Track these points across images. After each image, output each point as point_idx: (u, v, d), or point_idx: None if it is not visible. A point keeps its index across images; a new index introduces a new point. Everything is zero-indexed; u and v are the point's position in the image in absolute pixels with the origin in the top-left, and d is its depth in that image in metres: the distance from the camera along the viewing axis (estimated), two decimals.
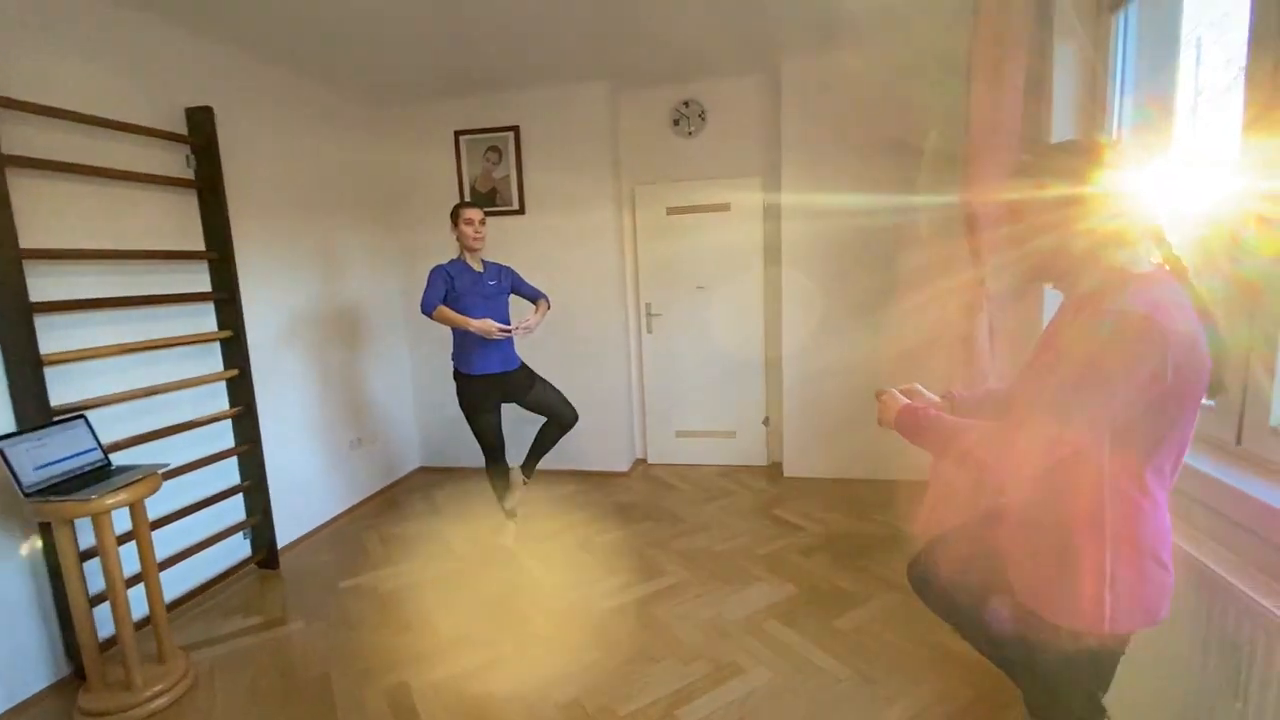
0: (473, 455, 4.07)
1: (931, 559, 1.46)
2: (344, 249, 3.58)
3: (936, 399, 1.36)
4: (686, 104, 3.71)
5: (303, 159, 3.27)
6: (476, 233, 2.84)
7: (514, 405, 3.02)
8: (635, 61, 3.35)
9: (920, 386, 1.37)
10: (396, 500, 3.76)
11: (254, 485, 2.84)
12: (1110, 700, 1.33)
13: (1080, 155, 1.08)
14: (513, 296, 3.04)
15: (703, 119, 3.71)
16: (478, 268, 2.92)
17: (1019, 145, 2.15)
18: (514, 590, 2.64)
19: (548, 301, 3.03)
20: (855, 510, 3.28)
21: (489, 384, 2.90)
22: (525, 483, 3.17)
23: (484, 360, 2.87)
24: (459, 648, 2.25)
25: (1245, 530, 1.24)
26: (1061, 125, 2.09)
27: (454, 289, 2.82)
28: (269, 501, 2.88)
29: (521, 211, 3.80)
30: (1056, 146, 1.26)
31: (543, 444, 3.12)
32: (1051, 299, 2.21)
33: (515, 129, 3.71)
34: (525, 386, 3.01)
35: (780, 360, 3.81)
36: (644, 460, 4.18)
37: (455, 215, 2.85)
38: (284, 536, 3.04)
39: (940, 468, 2.52)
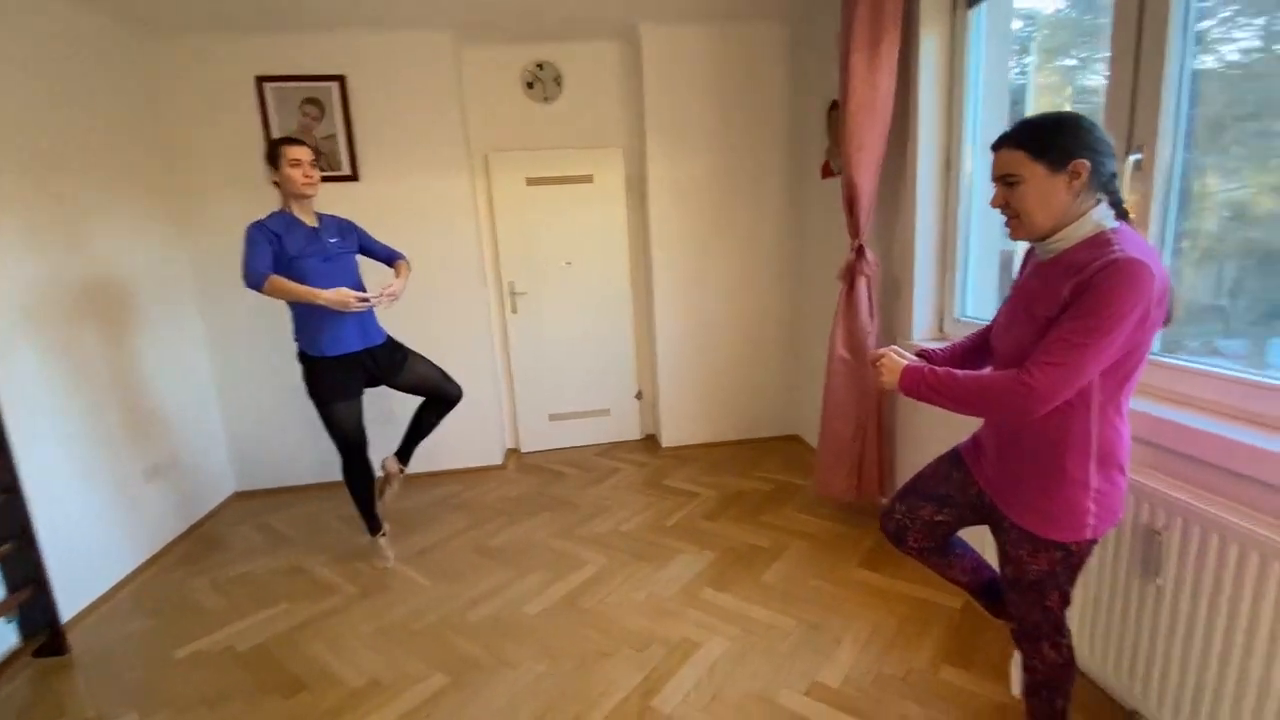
0: (306, 469, 3.49)
1: (905, 509, 1.56)
2: (110, 223, 2.71)
3: (914, 357, 1.44)
4: (541, 66, 3.47)
5: (41, 98, 2.39)
6: (307, 175, 2.27)
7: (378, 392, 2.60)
8: (479, 13, 3.01)
9: (898, 348, 1.44)
10: (218, 537, 3.03)
11: (17, 548, 2.06)
12: None
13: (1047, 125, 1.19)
14: (361, 258, 2.55)
15: (558, 84, 3.51)
16: (311, 222, 2.36)
17: (890, 122, 2.39)
18: (416, 614, 2.30)
19: (407, 262, 2.61)
20: (738, 470, 3.46)
21: (348, 365, 2.41)
22: (403, 472, 2.78)
23: (337, 337, 2.36)
24: (377, 695, 1.89)
25: (1150, 445, 1.53)
26: (926, 107, 2.35)
27: (283, 250, 2.24)
28: (42, 566, 2.11)
29: (355, 177, 3.24)
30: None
31: (421, 428, 2.73)
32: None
33: (341, 79, 3.13)
34: (395, 364, 2.56)
35: (650, 334, 3.83)
36: (517, 450, 3.93)
37: (275, 155, 2.25)
38: (67, 609, 2.27)
39: (832, 426, 2.76)
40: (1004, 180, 1.20)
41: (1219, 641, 1.28)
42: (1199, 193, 1.60)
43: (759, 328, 3.79)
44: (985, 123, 2.27)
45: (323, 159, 3.19)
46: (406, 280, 2.54)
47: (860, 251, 2.56)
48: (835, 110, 3.02)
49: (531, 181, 3.57)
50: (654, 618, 2.20)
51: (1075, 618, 1.63)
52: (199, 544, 2.96)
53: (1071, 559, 1.26)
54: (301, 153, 2.27)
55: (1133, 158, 1.57)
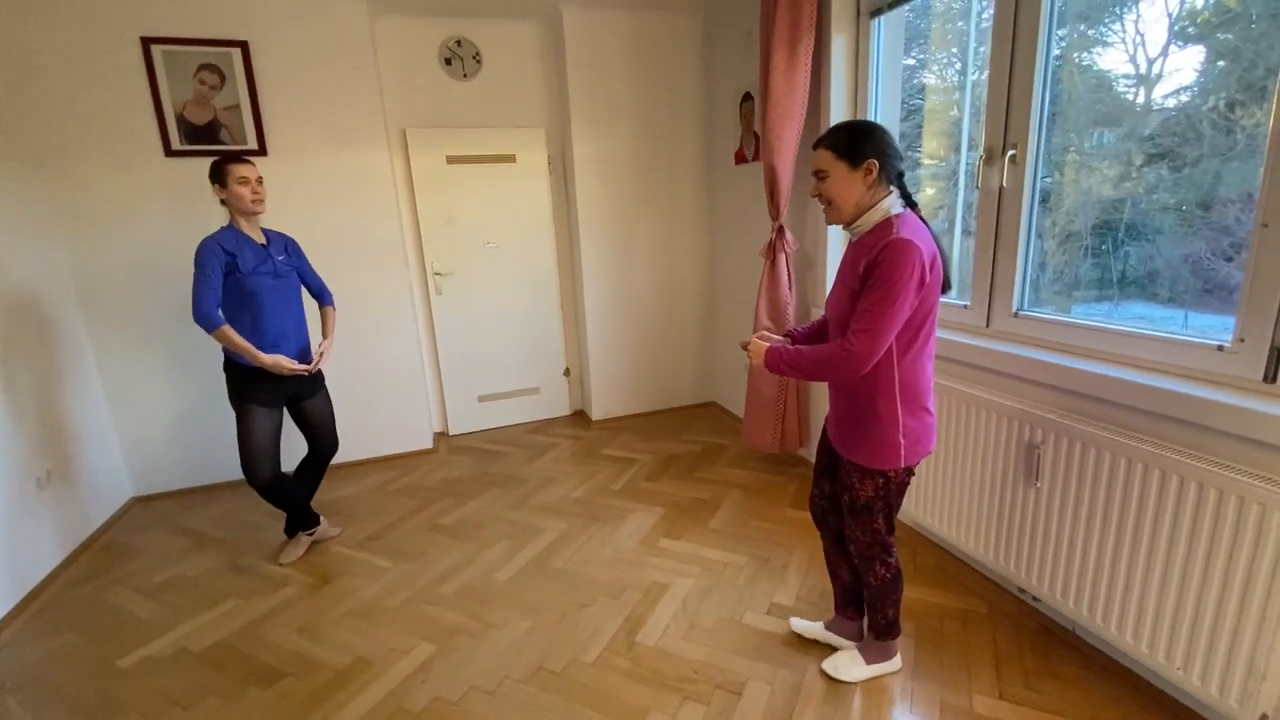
0: (211, 468, 3.28)
1: (815, 490, 1.84)
2: None
3: (780, 338, 1.71)
4: (459, 43, 3.42)
5: None
6: (255, 193, 2.23)
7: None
8: None
9: (766, 332, 1.71)
10: (125, 545, 2.77)
11: None
12: (943, 504, 1.96)
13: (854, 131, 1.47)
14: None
15: (478, 61, 3.48)
16: (259, 239, 2.30)
17: (805, 114, 2.69)
18: (386, 593, 2.31)
19: (334, 309, 2.60)
20: (669, 435, 3.71)
21: (275, 376, 2.32)
22: (311, 535, 2.68)
23: (270, 343, 2.29)
24: (366, 671, 1.92)
25: (1015, 379, 1.93)
26: (836, 101, 2.67)
27: (237, 269, 2.19)
28: None
29: (262, 152, 3.03)
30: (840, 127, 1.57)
31: (312, 479, 2.67)
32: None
33: (244, 45, 2.90)
34: (312, 386, 2.51)
35: (577, 312, 3.96)
36: (445, 433, 3.90)
37: (221, 173, 2.18)
38: None
39: (757, 387, 3.07)
40: (817, 174, 1.50)
41: (1083, 527, 1.70)
42: (1062, 182, 2.02)
43: (678, 303, 4.04)
44: (884, 116, 2.63)
45: (224, 132, 2.96)
46: (334, 336, 2.54)
47: (780, 231, 2.86)
48: (748, 102, 3.31)
49: (452, 160, 3.53)
50: (621, 568, 2.38)
51: (974, 519, 2.04)
52: (105, 554, 2.70)
53: (890, 485, 1.58)
54: (249, 170, 2.21)
55: (1010, 153, 1.96)
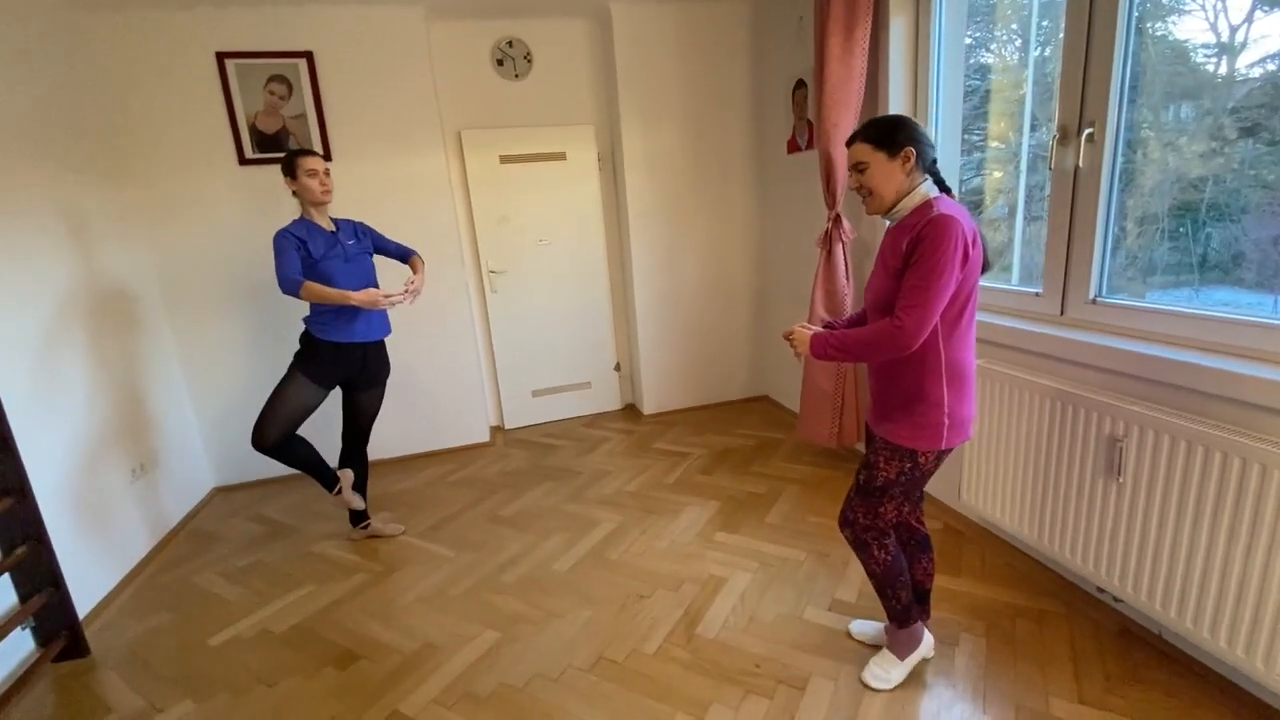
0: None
1: (845, 511, 1.73)
2: (70, 214, 2.55)
3: (819, 328, 1.67)
4: (510, 44, 3.48)
5: None
6: (324, 184, 2.35)
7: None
8: None
9: (805, 323, 1.68)
10: (211, 531, 2.95)
11: (32, 551, 1.98)
12: (1015, 500, 1.88)
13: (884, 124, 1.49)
14: (376, 258, 2.59)
15: (529, 61, 3.53)
16: (329, 227, 2.42)
17: (862, 100, 2.62)
18: (451, 581, 2.38)
19: (421, 258, 2.65)
20: (721, 430, 3.69)
21: (343, 356, 2.44)
22: (365, 528, 2.76)
23: (349, 327, 2.42)
24: (435, 656, 1.99)
25: (1094, 369, 1.84)
26: (895, 85, 2.59)
27: (309, 255, 2.31)
28: (57, 568, 2.04)
29: (327, 158, 3.16)
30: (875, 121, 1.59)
31: (360, 465, 2.71)
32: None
33: (308, 55, 3.03)
34: (377, 371, 2.58)
35: (627, 307, 3.98)
36: (501, 427, 3.99)
37: (292, 166, 2.31)
38: (79, 609, 2.19)
39: (814, 381, 3.02)
40: (856, 168, 1.52)
41: (1170, 524, 1.60)
42: (1140, 161, 1.90)
43: (729, 296, 4.01)
44: (947, 98, 2.54)
45: (292, 139, 3.10)
46: (424, 275, 2.57)
47: (837, 220, 2.80)
48: (801, 89, 3.25)
49: (505, 159, 3.59)
50: (679, 561, 2.39)
51: (1050, 516, 1.95)
52: (191, 540, 2.88)
53: (917, 470, 1.54)
54: (317, 163, 2.33)
55: (1087, 131, 1.86)
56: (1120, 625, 1.86)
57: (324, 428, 2.93)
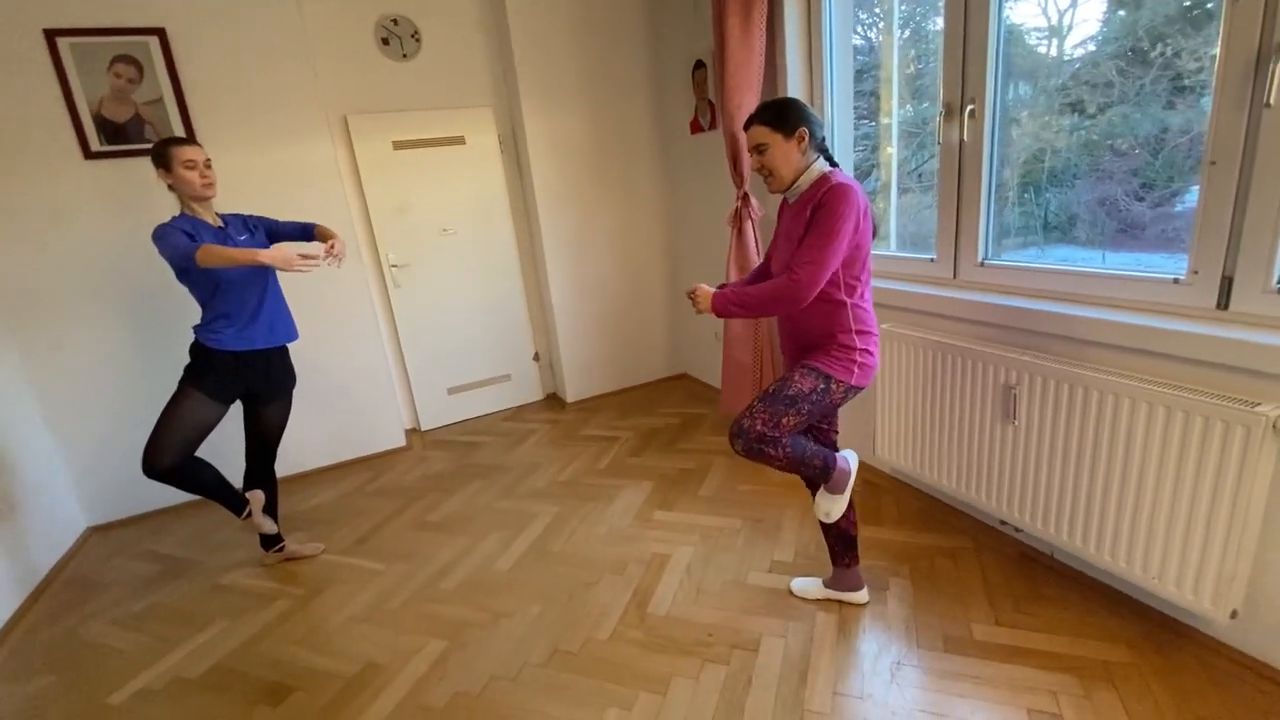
0: (165, 491, 3.02)
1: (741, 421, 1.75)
2: None
3: (715, 289, 1.75)
4: (395, 21, 3.26)
5: None
6: (204, 176, 2.10)
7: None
8: None
9: (703, 284, 1.77)
10: (91, 576, 2.61)
11: None
12: (925, 451, 2.05)
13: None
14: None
15: (417, 40, 3.33)
16: (216, 223, 2.17)
17: (762, 81, 2.70)
18: (385, 596, 2.26)
19: (325, 227, 2.42)
20: (645, 410, 3.73)
21: (240, 366, 2.21)
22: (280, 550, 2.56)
23: (241, 331, 2.17)
24: (379, 676, 1.89)
25: (987, 325, 2.03)
26: (792, 64, 2.69)
27: None
28: None
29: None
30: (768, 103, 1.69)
31: (269, 486, 2.52)
32: None
33: (160, 32, 2.68)
34: (282, 383, 2.36)
35: (542, 294, 3.90)
36: (418, 429, 3.80)
37: (164, 158, 2.04)
38: None
39: (733, 355, 3.12)
40: (757, 149, 1.63)
41: (1060, 458, 1.81)
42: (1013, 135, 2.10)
43: (642, 278, 4.04)
44: (839, 77, 2.66)
45: (149, 129, 2.75)
46: (341, 239, 2.31)
47: (745, 199, 2.88)
48: (700, 70, 3.29)
49: (399, 145, 3.39)
50: (621, 544, 2.41)
51: (956, 461, 2.14)
52: (70, 589, 2.54)
53: (829, 394, 1.64)
54: (195, 153, 2.08)
55: (969, 108, 2.02)
56: (1020, 552, 2.09)
57: (221, 446, 2.66)
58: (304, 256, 1.99)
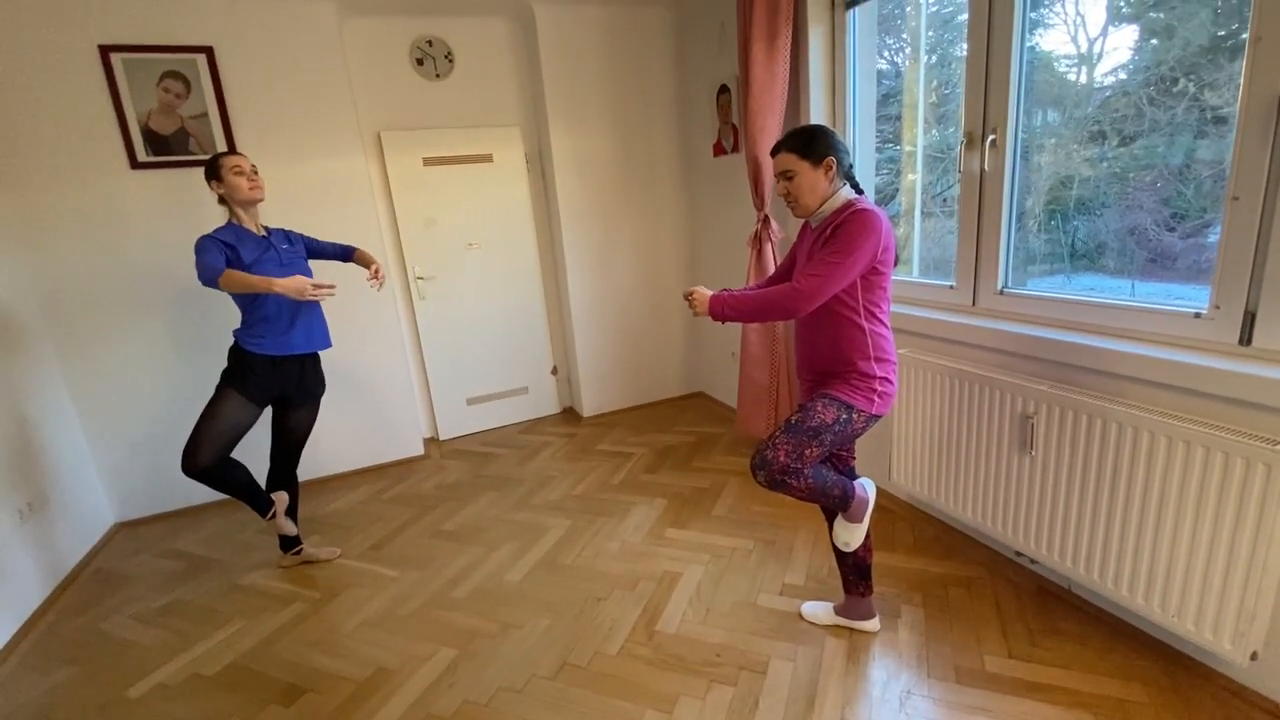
0: (192, 490, 3.15)
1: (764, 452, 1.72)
2: None
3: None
4: (430, 43, 3.37)
5: None
6: (252, 181, 2.21)
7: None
8: None
9: (701, 286, 1.79)
10: (117, 571, 2.68)
11: None
12: (941, 479, 2.04)
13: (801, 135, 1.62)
14: (315, 263, 2.48)
15: (450, 61, 3.44)
16: (260, 231, 2.27)
17: (785, 106, 2.74)
18: (398, 602, 2.29)
19: (364, 250, 2.56)
20: (661, 427, 3.75)
21: (276, 370, 2.30)
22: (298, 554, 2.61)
23: (280, 336, 2.27)
24: (389, 681, 1.91)
25: (1006, 353, 2.02)
26: (815, 91, 2.73)
27: (239, 258, 2.15)
28: None
29: None
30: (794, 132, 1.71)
31: (292, 487, 2.58)
32: None
33: (208, 50, 2.81)
34: (313, 387, 2.44)
35: (562, 309, 3.96)
36: (436, 438, 3.86)
37: (215, 168, 2.17)
38: None
39: (750, 375, 3.13)
40: (784, 175, 1.64)
41: (1077, 490, 1.79)
42: (1036, 163, 2.11)
43: (662, 296, 4.08)
44: (862, 104, 2.70)
45: (192, 142, 2.87)
46: (379, 263, 2.51)
47: (766, 221, 2.92)
48: (724, 94, 3.35)
49: (429, 161, 3.48)
50: (632, 560, 2.42)
51: (972, 490, 2.13)
52: (93, 584, 2.61)
53: (849, 425, 1.63)
54: (242, 161, 2.20)
55: (990, 137, 2.04)
56: (1036, 584, 2.06)
57: (243, 447, 2.73)
58: (318, 287, 2.13)
